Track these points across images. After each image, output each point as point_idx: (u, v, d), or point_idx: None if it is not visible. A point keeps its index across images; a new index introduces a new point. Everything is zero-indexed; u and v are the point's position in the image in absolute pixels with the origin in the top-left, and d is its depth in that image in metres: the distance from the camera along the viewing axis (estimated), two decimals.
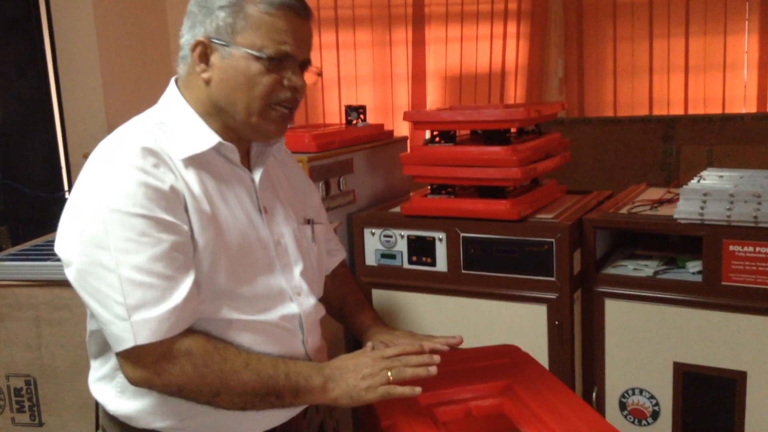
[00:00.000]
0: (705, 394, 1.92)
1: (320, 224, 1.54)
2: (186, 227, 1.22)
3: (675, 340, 1.93)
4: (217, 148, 1.31)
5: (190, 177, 1.26)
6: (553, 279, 1.96)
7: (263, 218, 1.36)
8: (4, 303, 1.87)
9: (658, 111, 4.49)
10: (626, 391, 2.02)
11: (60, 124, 3.25)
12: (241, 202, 1.33)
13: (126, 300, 1.16)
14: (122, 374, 1.23)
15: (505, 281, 2.02)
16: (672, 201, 2.11)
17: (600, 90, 4.66)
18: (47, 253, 1.93)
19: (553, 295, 1.97)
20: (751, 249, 1.81)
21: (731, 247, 1.83)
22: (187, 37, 1.31)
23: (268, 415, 1.31)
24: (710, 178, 2.06)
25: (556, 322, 1.97)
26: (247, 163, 1.40)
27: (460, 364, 1.56)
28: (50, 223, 2.96)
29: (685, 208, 1.89)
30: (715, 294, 1.86)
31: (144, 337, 1.16)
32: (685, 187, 1.93)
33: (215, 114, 1.32)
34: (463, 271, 2.07)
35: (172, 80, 1.37)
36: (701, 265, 1.89)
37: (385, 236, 2.17)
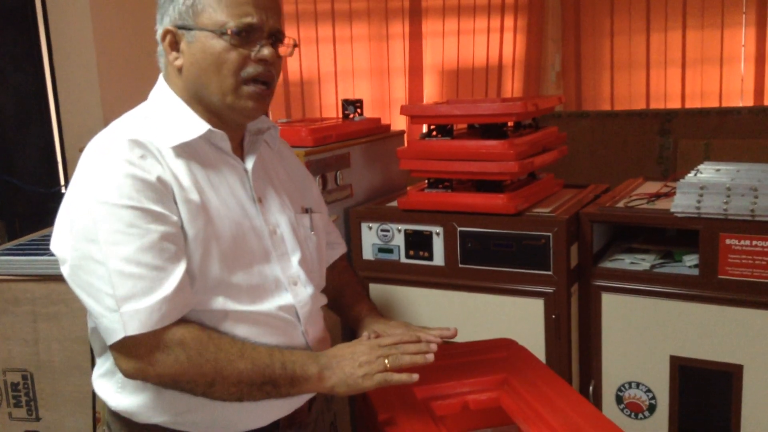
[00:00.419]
0: (701, 387, 1.92)
1: (319, 213, 1.53)
2: (176, 218, 1.22)
3: (671, 334, 1.93)
4: (207, 137, 1.31)
5: (179, 167, 1.26)
6: (550, 273, 1.96)
7: (257, 207, 1.35)
8: (0, 298, 1.87)
9: (655, 105, 4.50)
10: (623, 385, 2.03)
11: (56, 119, 3.24)
12: (233, 191, 1.33)
13: (115, 291, 1.16)
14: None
15: (502, 275, 2.02)
16: (669, 195, 2.11)
17: (597, 84, 4.66)
18: (43, 247, 1.93)
19: (550, 289, 1.97)
20: (747, 242, 1.81)
21: (728, 241, 1.83)
22: (159, 30, 1.32)
23: (267, 408, 1.30)
24: (707, 172, 2.06)
25: (553, 316, 1.97)
26: (241, 152, 1.40)
27: (457, 357, 1.57)
28: (46, 218, 2.95)
29: (682, 202, 1.89)
30: (711, 287, 1.87)
31: (134, 328, 1.16)
32: (682, 180, 1.93)
33: (195, 102, 1.32)
34: (460, 266, 2.07)
35: (160, 75, 1.38)
36: (698, 258, 1.90)
37: (382, 230, 2.17)
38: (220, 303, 1.26)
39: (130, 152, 1.21)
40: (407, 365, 1.29)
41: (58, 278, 1.77)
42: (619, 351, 2.01)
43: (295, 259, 1.38)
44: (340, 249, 1.71)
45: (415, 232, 2.12)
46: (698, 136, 3.53)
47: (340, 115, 2.58)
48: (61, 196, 3.17)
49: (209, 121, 1.31)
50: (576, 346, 2.06)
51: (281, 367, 1.25)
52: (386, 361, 1.28)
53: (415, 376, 1.28)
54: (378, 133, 2.53)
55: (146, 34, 3.65)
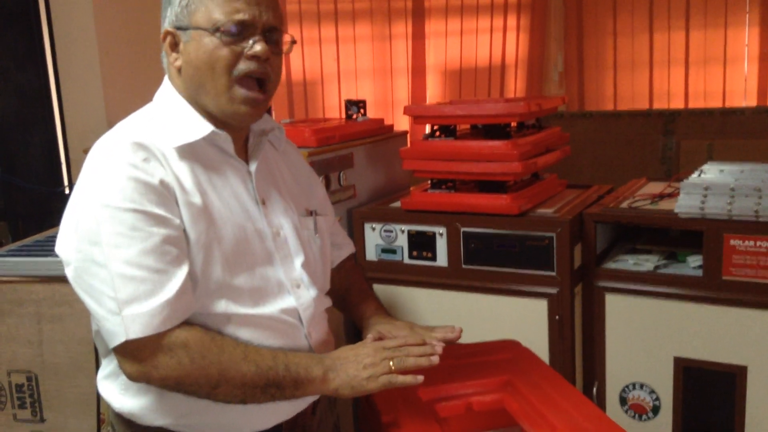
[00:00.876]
0: (705, 388, 1.92)
1: (323, 216, 1.53)
2: (178, 221, 1.21)
3: (675, 335, 1.93)
4: (210, 139, 1.30)
5: (182, 169, 1.26)
6: (553, 274, 1.96)
7: (260, 209, 1.35)
8: (4, 299, 1.87)
9: (659, 105, 4.49)
10: (627, 386, 2.02)
11: (59, 119, 3.24)
12: (236, 193, 1.33)
13: (117, 294, 1.16)
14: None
15: (506, 276, 2.02)
16: (672, 195, 2.10)
17: (600, 84, 4.65)
18: (48, 248, 1.93)
19: (553, 290, 1.97)
20: (751, 243, 1.81)
21: (732, 242, 1.83)
22: (162, 32, 1.32)
23: (271, 411, 1.30)
24: (711, 172, 2.06)
25: (557, 317, 1.97)
26: (245, 154, 1.40)
27: (461, 359, 1.56)
28: (50, 219, 2.96)
29: (686, 203, 1.89)
30: (715, 288, 1.86)
31: (135, 332, 1.16)
32: (685, 181, 1.92)
33: (194, 103, 1.31)
34: (463, 266, 2.07)
35: (166, 77, 1.38)
36: (702, 259, 1.89)
37: (385, 231, 2.17)
38: (223, 306, 1.25)
39: (134, 155, 1.21)
40: (412, 367, 1.28)
41: (63, 279, 1.77)
42: (622, 352, 2.01)
43: (298, 261, 1.38)
44: (347, 249, 1.70)
45: (419, 232, 2.12)
46: (701, 136, 3.52)
47: (344, 116, 2.57)
48: (64, 196, 3.18)
49: (211, 122, 1.31)
50: (579, 347, 2.06)
51: (285, 369, 1.24)
52: (391, 363, 1.28)
53: (420, 378, 1.27)
54: (381, 133, 2.53)
55: (149, 34, 3.67)
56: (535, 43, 4.70)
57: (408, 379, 1.27)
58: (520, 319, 2.02)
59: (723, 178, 1.94)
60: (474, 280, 2.06)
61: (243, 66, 1.26)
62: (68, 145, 3.23)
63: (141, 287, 1.16)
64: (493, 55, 4.65)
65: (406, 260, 2.15)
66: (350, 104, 2.53)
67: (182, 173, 1.25)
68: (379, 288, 2.19)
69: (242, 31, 1.26)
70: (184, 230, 1.22)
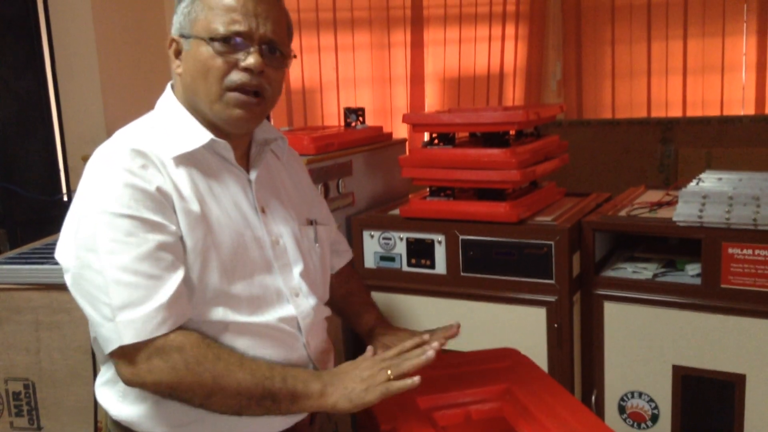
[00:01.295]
0: (704, 397, 1.92)
1: (324, 225, 1.53)
2: (174, 227, 1.21)
3: (674, 343, 1.92)
4: (210, 147, 1.31)
5: (181, 177, 1.26)
6: (552, 282, 1.96)
7: (260, 217, 1.35)
8: (2, 306, 1.86)
9: (657, 113, 4.49)
10: (625, 395, 2.02)
11: (58, 126, 3.24)
12: (235, 201, 1.33)
13: (112, 300, 1.16)
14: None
15: (505, 284, 2.02)
16: (671, 203, 2.11)
17: (598, 92, 4.66)
18: (46, 256, 1.92)
19: (552, 298, 1.96)
20: (750, 252, 1.81)
21: (730, 250, 1.83)
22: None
23: (268, 420, 1.29)
24: (709, 181, 2.06)
25: (556, 325, 1.96)
26: (246, 162, 1.40)
27: (460, 367, 1.56)
28: (48, 226, 2.95)
29: (684, 211, 1.89)
30: (714, 297, 1.86)
31: (129, 337, 1.15)
32: (684, 189, 1.93)
33: (194, 110, 1.32)
34: (462, 274, 2.07)
35: (168, 84, 1.38)
36: (700, 267, 1.89)
37: (384, 238, 2.17)
38: (220, 314, 1.25)
39: (132, 162, 1.21)
40: (409, 370, 1.25)
41: (61, 287, 1.77)
42: (621, 360, 2.00)
43: (296, 270, 1.38)
44: (347, 256, 1.71)
45: (417, 240, 2.12)
46: (699, 144, 3.53)
47: (342, 124, 2.58)
48: (62, 204, 3.18)
49: (212, 130, 1.31)
50: (578, 356, 2.06)
51: (282, 381, 1.22)
52: (388, 372, 1.26)
53: (417, 379, 1.24)
54: (380, 141, 2.54)
55: (149, 42, 3.67)
56: (534, 52, 4.71)
57: (406, 382, 1.24)
58: (519, 327, 2.01)
59: (721, 187, 1.94)
60: (472, 288, 2.06)
61: (236, 77, 1.26)
62: (67, 153, 3.23)
63: (135, 293, 1.16)
64: (492, 64, 4.66)
65: (405, 268, 2.15)
66: (349, 112, 2.54)
67: (181, 180, 1.25)
68: (377, 296, 2.18)
69: (238, 42, 1.26)
70: (181, 237, 1.22)
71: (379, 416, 1.38)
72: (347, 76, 4.51)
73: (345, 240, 1.74)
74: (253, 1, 1.27)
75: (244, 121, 1.31)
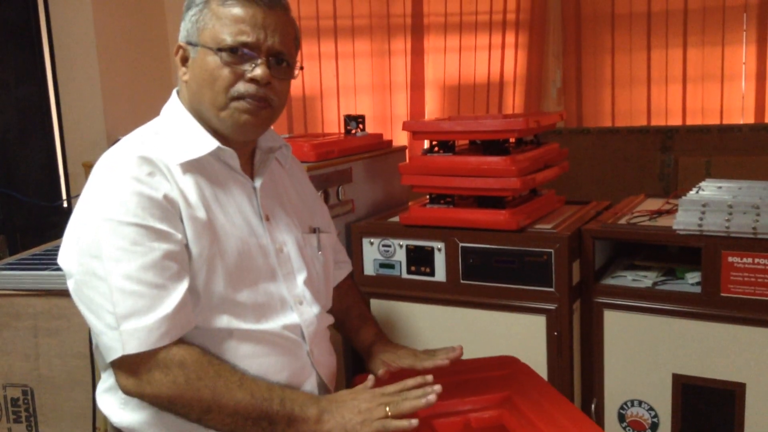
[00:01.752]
0: (704, 405, 1.92)
1: (327, 233, 1.53)
2: (180, 236, 1.21)
3: (674, 352, 1.92)
4: (216, 154, 1.31)
5: (187, 184, 1.26)
6: (552, 289, 1.96)
7: (264, 225, 1.35)
8: (1, 312, 1.86)
9: (656, 121, 4.50)
10: (625, 403, 2.02)
11: (59, 133, 3.25)
12: (240, 208, 1.33)
13: (116, 309, 1.15)
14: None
15: (504, 291, 2.02)
16: (671, 212, 2.11)
17: (598, 100, 4.67)
18: (46, 262, 1.92)
19: (552, 306, 1.96)
20: (750, 260, 1.81)
21: (730, 259, 1.83)
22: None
23: None
24: (709, 189, 2.06)
25: (555, 333, 1.96)
26: (251, 170, 1.40)
27: (459, 375, 1.56)
28: (48, 233, 2.95)
29: (684, 219, 1.89)
30: (714, 305, 1.86)
31: (133, 347, 1.15)
32: (684, 198, 1.93)
33: (200, 117, 1.32)
34: (461, 281, 2.07)
35: (174, 91, 1.38)
36: (700, 276, 1.89)
37: (383, 246, 2.17)
38: (225, 321, 1.25)
39: (138, 169, 1.21)
40: (408, 411, 1.24)
41: (60, 293, 1.77)
42: (621, 369, 2.00)
43: (300, 278, 1.38)
44: (347, 268, 1.71)
45: (417, 247, 2.12)
46: (699, 152, 3.53)
47: (342, 131, 2.58)
48: (63, 210, 3.18)
49: (217, 138, 1.32)
50: (578, 364, 2.06)
51: (280, 403, 1.21)
52: (387, 408, 1.24)
53: (414, 422, 1.22)
54: (380, 148, 2.54)
55: (150, 48, 3.68)
56: (534, 60, 4.72)
57: (403, 423, 1.22)
58: (519, 335, 2.01)
59: (721, 195, 1.94)
60: (472, 296, 2.06)
61: (242, 88, 1.27)
62: (67, 159, 3.23)
63: (139, 302, 1.16)
64: (492, 72, 4.67)
65: (405, 275, 2.15)
66: (349, 119, 2.54)
67: (187, 188, 1.26)
68: (376, 303, 2.18)
69: (245, 53, 1.26)
70: (187, 245, 1.22)
71: None
72: (347, 84, 4.51)
73: (344, 250, 1.73)
74: (262, 12, 1.27)
75: (251, 126, 1.31)
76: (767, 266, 1.79)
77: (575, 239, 2.00)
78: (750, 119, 4.31)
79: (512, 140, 2.15)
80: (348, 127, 2.54)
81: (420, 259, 2.12)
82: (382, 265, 2.17)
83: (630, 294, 1.98)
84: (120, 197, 1.18)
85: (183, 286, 1.19)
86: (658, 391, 1.96)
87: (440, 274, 2.10)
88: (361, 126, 2.54)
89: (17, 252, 2.34)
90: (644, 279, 2.01)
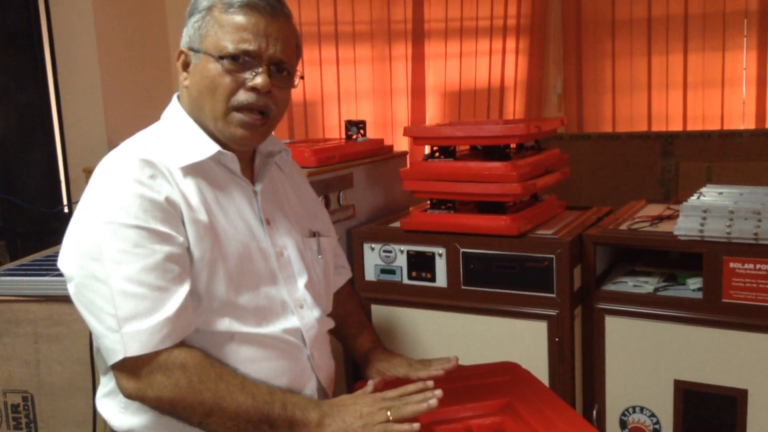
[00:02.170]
0: (706, 412, 1.91)
1: (327, 237, 1.53)
2: (182, 238, 1.22)
3: (675, 358, 1.92)
4: (217, 158, 1.31)
5: (189, 187, 1.26)
6: (553, 295, 1.96)
7: (265, 229, 1.35)
8: (1, 318, 1.86)
9: (657, 127, 4.50)
10: (627, 409, 2.01)
11: (60, 138, 3.25)
12: (241, 212, 1.33)
13: (117, 311, 1.15)
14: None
15: (505, 297, 2.01)
16: (672, 217, 2.11)
17: (599, 105, 4.67)
18: (46, 268, 1.92)
19: (553, 312, 1.96)
20: (751, 266, 1.81)
21: (731, 264, 1.83)
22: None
23: None
24: (710, 195, 2.06)
25: (557, 339, 1.96)
26: (251, 174, 1.40)
27: (460, 381, 1.55)
28: (49, 238, 2.95)
29: (685, 225, 1.89)
30: (715, 311, 1.86)
31: (134, 349, 1.15)
32: (685, 203, 1.93)
33: (199, 122, 1.32)
34: (462, 287, 2.06)
35: (175, 96, 1.39)
36: (701, 282, 1.89)
37: (384, 251, 2.16)
38: (226, 324, 1.25)
39: (140, 172, 1.21)
40: (409, 415, 1.24)
41: (60, 299, 1.77)
42: (622, 375, 2.00)
43: (301, 282, 1.38)
44: (346, 274, 1.71)
45: (418, 253, 2.11)
46: (700, 158, 3.53)
47: (343, 136, 2.58)
48: (63, 216, 3.18)
49: (217, 142, 1.32)
50: (579, 370, 2.05)
51: (281, 406, 1.21)
52: (388, 412, 1.24)
53: (416, 426, 1.23)
54: (381, 153, 2.54)
55: (151, 54, 3.69)
56: (534, 66, 4.72)
57: (404, 427, 1.22)
58: (520, 341, 2.01)
59: (722, 201, 1.94)
60: (473, 302, 2.05)
61: (242, 96, 1.27)
62: (68, 165, 3.23)
63: (141, 304, 1.16)
64: (493, 77, 4.67)
65: (405, 281, 2.15)
66: (350, 125, 2.54)
67: (189, 191, 1.26)
68: (377, 309, 2.18)
69: (247, 61, 1.26)
70: (189, 248, 1.22)
71: None
72: (348, 89, 4.52)
73: (344, 255, 1.73)
74: (265, 21, 1.27)
75: (247, 140, 1.32)
76: None
77: (576, 245, 2.00)
78: (751, 125, 4.32)
79: (513, 146, 2.15)
80: (349, 133, 2.54)
81: (421, 264, 2.11)
82: (383, 271, 2.17)
83: (631, 300, 1.97)
84: (121, 200, 1.19)
85: (184, 289, 1.20)
86: (659, 398, 1.95)
87: (441, 280, 2.10)
88: (362, 131, 2.54)
89: (18, 258, 2.35)
90: (645, 285, 2.01)
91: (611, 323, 1.99)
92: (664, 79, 4.46)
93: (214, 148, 1.30)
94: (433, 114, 4.72)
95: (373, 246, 2.18)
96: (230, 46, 1.25)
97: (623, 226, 2.08)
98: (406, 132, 2.18)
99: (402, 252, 2.14)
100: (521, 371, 1.63)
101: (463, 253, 2.04)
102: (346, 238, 2.25)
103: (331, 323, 1.47)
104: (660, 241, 1.96)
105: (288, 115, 4.37)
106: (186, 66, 1.32)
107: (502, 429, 1.43)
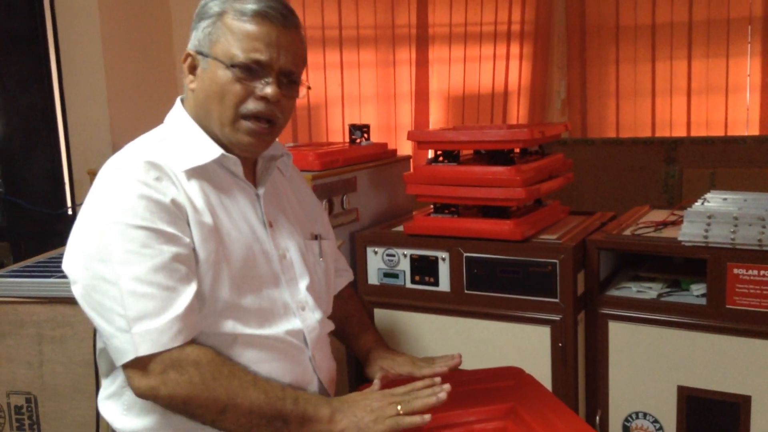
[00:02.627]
0: (709, 418, 1.90)
1: (328, 240, 1.53)
2: (188, 240, 1.22)
3: (679, 364, 1.91)
4: (220, 161, 1.32)
5: (193, 190, 1.27)
6: (556, 300, 1.95)
7: (267, 231, 1.36)
8: (5, 320, 1.86)
9: (661, 133, 4.50)
10: (630, 415, 2.00)
11: (64, 140, 3.26)
12: (244, 215, 1.34)
13: (127, 312, 1.16)
14: (129, 390, 1.22)
15: (509, 302, 2.01)
16: (676, 223, 2.10)
17: (603, 111, 4.67)
18: (50, 269, 1.92)
19: (556, 317, 1.96)
20: (755, 272, 1.80)
21: (735, 270, 1.82)
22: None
23: None
24: (714, 201, 2.06)
25: (560, 344, 1.95)
26: (253, 177, 1.41)
27: (464, 386, 1.55)
28: (53, 240, 2.95)
29: (690, 231, 1.89)
30: (719, 317, 1.85)
31: (145, 349, 1.15)
32: (689, 209, 1.92)
33: (203, 126, 1.33)
34: (466, 292, 2.06)
35: (178, 99, 1.39)
36: (705, 287, 1.89)
37: (387, 255, 2.16)
38: (230, 326, 1.26)
39: (146, 174, 1.22)
40: (419, 409, 1.25)
41: (64, 301, 1.77)
42: (626, 380, 1.99)
43: (303, 284, 1.38)
44: (347, 276, 1.71)
45: (421, 257, 2.11)
46: (704, 164, 3.53)
47: (347, 140, 2.59)
48: (67, 218, 3.18)
49: (220, 145, 1.32)
50: (583, 375, 2.05)
51: (293, 402, 1.22)
52: (399, 406, 1.25)
53: (428, 417, 1.24)
54: (384, 157, 2.54)
55: (156, 57, 3.69)
56: (538, 71, 4.72)
57: (415, 419, 1.23)
58: (523, 346, 2.01)
59: (726, 207, 1.94)
60: (476, 306, 2.05)
61: (251, 105, 1.28)
62: (72, 167, 3.23)
63: (150, 304, 1.16)
64: (496, 82, 4.67)
65: (409, 285, 2.15)
66: (354, 129, 2.55)
67: (194, 193, 1.26)
68: (380, 313, 2.18)
69: (257, 70, 1.27)
70: (194, 249, 1.23)
71: None
72: (352, 93, 4.52)
73: (344, 258, 1.74)
74: (276, 31, 1.27)
75: (254, 147, 1.33)
76: None
77: (580, 250, 2.00)
78: (755, 131, 4.31)
79: (517, 150, 2.15)
80: (353, 137, 2.54)
81: (424, 268, 2.11)
82: (386, 275, 2.17)
83: (635, 305, 1.97)
84: (128, 201, 1.19)
85: (192, 289, 1.20)
86: (663, 403, 1.95)
87: (444, 284, 2.09)
88: (365, 135, 2.54)
89: (21, 259, 2.35)
90: (649, 290, 2.01)
91: (615, 329, 1.99)
92: (668, 85, 4.46)
93: (217, 151, 1.31)
94: (436, 118, 4.72)
95: (376, 250, 2.18)
96: (241, 55, 1.26)
97: (627, 232, 2.08)
98: (410, 136, 2.19)
99: (405, 256, 2.14)
100: (525, 376, 1.63)
101: (466, 257, 2.04)
102: (350, 242, 2.25)
103: (331, 325, 1.48)
104: (664, 247, 1.96)
105: (292, 118, 4.35)
106: (193, 69, 1.32)
107: None
